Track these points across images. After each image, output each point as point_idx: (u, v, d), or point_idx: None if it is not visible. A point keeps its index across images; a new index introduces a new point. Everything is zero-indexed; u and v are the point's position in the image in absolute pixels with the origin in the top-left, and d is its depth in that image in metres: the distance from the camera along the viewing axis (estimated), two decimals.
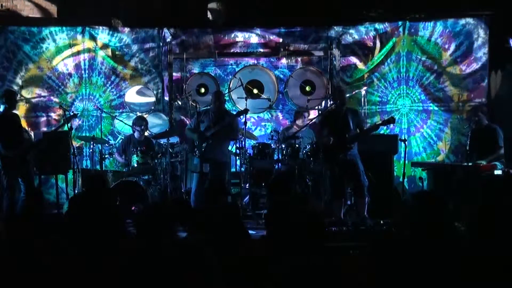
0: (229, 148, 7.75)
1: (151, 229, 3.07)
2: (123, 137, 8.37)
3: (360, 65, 8.98)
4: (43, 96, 8.72)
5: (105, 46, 8.84)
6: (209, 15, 9.00)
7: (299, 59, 9.05)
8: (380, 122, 7.29)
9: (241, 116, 7.54)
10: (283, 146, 7.80)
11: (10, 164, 6.81)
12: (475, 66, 8.71)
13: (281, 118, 9.11)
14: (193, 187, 7.27)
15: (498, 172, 6.85)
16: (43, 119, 8.72)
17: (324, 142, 7.05)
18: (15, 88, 8.60)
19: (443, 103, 8.84)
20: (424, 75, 8.85)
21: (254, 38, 9.04)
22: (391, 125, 8.14)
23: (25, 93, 8.67)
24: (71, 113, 7.80)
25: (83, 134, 8.57)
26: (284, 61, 9.05)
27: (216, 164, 7.22)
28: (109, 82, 8.86)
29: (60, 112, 8.34)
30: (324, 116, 7.52)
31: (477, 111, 7.52)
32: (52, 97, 8.75)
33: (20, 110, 8.58)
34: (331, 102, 8.19)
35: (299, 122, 8.34)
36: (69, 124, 7.25)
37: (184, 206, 5.28)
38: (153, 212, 3.19)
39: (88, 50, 8.80)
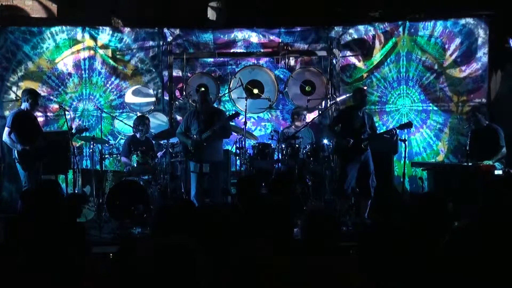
0: (223, 147, 7.80)
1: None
2: (123, 138, 8.37)
3: (360, 65, 8.97)
4: (42, 96, 8.70)
5: (105, 46, 8.83)
6: (209, 15, 9.00)
7: (299, 59, 9.05)
8: (397, 126, 7.34)
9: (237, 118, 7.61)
10: (283, 146, 7.81)
11: (27, 159, 7.03)
12: (475, 66, 8.70)
13: (281, 118, 9.11)
14: (193, 188, 7.28)
15: (498, 172, 6.86)
16: (42, 119, 8.70)
17: (344, 143, 7.08)
18: (14, 88, 8.61)
19: (443, 103, 8.83)
20: (424, 75, 8.83)
21: (254, 38, 9.04)
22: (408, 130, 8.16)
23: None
24: (83, 127, 8.01)
25: (83, 134, 8.56)
26: (284, 61, 9.04)
27: (215, 164, 7.26)
28: (109, 82, 8.86)
29: (59, 112, 8.36)
30: (341, 112, 7.57)
31: (475, 111, 7.54)
32: (51, 97, 8.75)
33: None
34: (332, 101, 8.21)
35: (298, 123, 8.34)
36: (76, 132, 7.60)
37: (188, 208, 5.26)
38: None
39: (88, 50, 8.80)
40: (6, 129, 7.17)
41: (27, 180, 7.12)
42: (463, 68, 8.74)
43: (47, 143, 7.30)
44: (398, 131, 7.22)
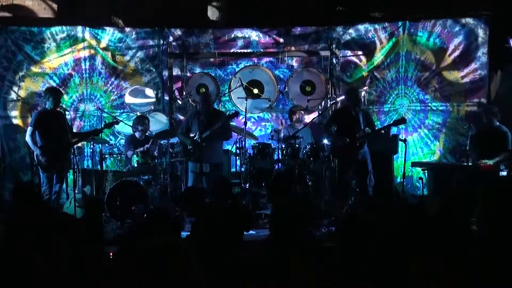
0: (223, 148, 7.81)
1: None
2: (123, 138, 8.37)
3: (360, 65, 8.97)
4: (42, 96, 8.69)
5: (105, 46, 8.83)
6: (209, 15, 8.99)
7: (299, 59, 9.05)
8: (391, 122, 7.37)
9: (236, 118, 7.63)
10: (283, 146, 7.81)
11: (49, 159, 6.99)
12: (474, 66, 8.70)
13: (281, 118, 9.10)
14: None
15: (503, 173, 6.85)
16: None
17: (339, 142, 7.09)
18: (15, 88, 8.61)
19: (442, 103, 8.83)
20: (423, 75, 8.83)
21: (254, 38, 9.04)
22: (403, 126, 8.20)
23: (23, 93, 8.67)
24: (114, 120, 7.72)
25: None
26: (284, 61, 9.04)
27: (213, 166, 7.29)
28: (110, 82, 8.86)
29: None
30: (335, 111, 7.59)
31: (488, 114, 7.45)
32: None
33: (19, 111, 8.61)
34: (332, 101, 8.22)
35: (295, 119, 8.35)
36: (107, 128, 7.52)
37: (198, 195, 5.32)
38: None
39: (89, 50, 8.79)
40: (29, 129, 7.15)
41: (44, 181, 7.11)
42: (462, 68, 8.74)
43: (76, 141, 7.27)
44: (392, 127, 7.27)
